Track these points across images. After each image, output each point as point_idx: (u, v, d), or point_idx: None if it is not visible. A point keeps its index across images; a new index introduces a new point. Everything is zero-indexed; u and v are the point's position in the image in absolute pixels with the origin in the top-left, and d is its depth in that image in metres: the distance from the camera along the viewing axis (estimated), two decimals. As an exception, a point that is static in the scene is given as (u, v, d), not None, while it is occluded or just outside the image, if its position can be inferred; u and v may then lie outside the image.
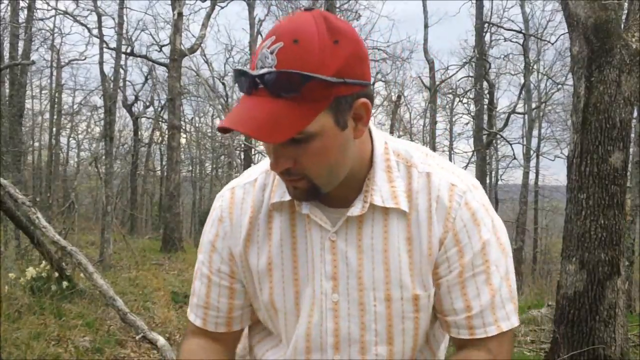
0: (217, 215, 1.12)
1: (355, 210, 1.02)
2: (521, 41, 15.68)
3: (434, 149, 17.53)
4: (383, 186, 1.02)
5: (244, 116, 0.90)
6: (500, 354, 1.06)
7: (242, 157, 16.48)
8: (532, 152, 17.85)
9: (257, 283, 1.09)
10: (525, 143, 17.47)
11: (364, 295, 1.03)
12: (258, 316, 1.17)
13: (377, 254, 1.03)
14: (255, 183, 1.11)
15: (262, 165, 1.12)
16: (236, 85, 0.97)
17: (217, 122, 20.31)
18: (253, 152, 13.87)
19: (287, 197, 1.04)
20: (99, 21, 13.98)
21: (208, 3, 14.79)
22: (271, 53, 0.89)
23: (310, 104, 0.89)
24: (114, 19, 14.07)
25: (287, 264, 1.06)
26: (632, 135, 5.42)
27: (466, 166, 15.93)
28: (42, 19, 14.14)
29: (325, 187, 0.99)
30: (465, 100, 17.61)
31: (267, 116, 0.88)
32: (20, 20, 11.01)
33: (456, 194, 1.03)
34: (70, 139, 22.08)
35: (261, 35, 15.94)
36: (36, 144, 20.15)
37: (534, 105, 18.08)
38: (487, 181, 16.17)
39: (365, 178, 1.03)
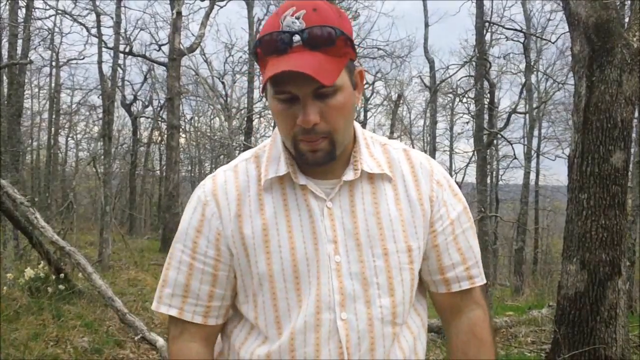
0: (199, 201, 1.17)
1: (349, 176, 1.14)
2: (522, 40, 15.61)
3: (434, 148, 17.53)
4: (367, 158, 1.16)
5: (295, 63, 1.00)
6: (484, 302, 1.23)
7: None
8: (533, 152, 17.80)
9: (252, 256, 1.13)
10: (526, 143, 17.41)
11: (362, 254, 1.12)
12: (242, 305, 1.18)
13: (369, 216, 1.14)
14: (236, 168, 1.19)
15: (242, 156, 1.22)
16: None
17: (217, 122, 20.30)
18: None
19: (281, 172, 1.13)
20: (98, 21, 13.93)
21: (207, 2, 14.76)
22: (297, 19, 1.03)
23: (337, 58, 1.04)
24: (112, 18, 14.02)
25: (282, 234, 1.12)
26: (634, 135, 5.40)
27: (466, 166, 15.87)
28: (40, 19, 14.12)
29: (339, 146, 1.10)
30: (465, 100, 17.53)
31: (313, 63, 1.01)
32: (18, 20, 10.98)
33: (434, 164, 1.22)
34: (69, 138, 22.06)
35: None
36: (35, 144, 20.12)
37: (534, 105, 18.03)
38: (488, 181, 16.09)
39: (351, 153, 1.16)
